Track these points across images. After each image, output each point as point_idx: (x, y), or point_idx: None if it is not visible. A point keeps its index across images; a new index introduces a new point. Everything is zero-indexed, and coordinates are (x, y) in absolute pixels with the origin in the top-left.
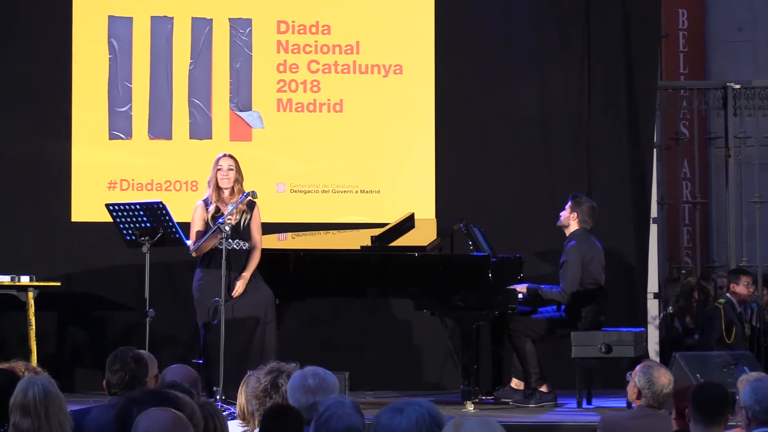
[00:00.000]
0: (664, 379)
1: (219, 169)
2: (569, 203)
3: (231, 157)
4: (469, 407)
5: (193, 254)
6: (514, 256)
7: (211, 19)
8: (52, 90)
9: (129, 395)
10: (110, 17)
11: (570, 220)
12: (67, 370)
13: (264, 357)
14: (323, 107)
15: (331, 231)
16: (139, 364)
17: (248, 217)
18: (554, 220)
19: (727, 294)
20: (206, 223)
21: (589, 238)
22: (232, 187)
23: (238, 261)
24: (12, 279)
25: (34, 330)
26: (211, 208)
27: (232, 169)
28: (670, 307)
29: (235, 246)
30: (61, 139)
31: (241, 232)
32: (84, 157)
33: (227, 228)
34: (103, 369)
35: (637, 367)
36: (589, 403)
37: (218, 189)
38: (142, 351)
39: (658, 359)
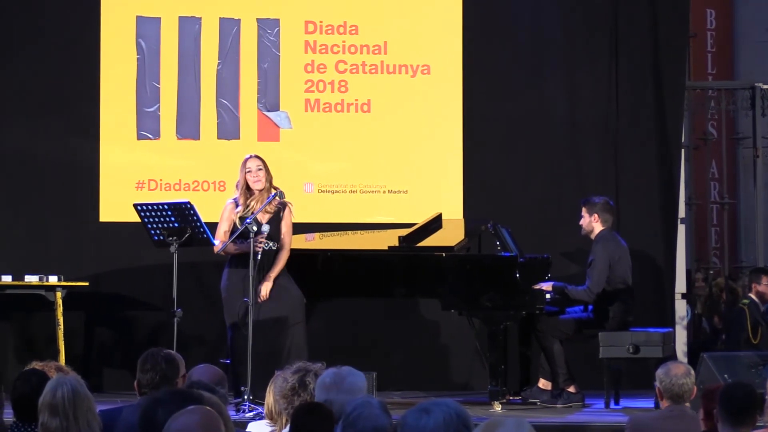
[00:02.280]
0: (680, 369)
1: (248, 172)
2: (584, 209)
3: (257, 157)
4: (497, 407)
5: (222, 253)
6: (541, 256)
7: (239, 20)
8: (81, 90)
9: (154, 395)
10: (138, 17)
11: (592, 223)
12: (94, 370)
13: (293, 357)
14: (351, 107)
15: (358, 231)
16: (170, 365)
17: (279, 217)
18: (579, 224)
19: (750, 294)
20: (233, 224)
21: (615, 238)
22: (265, 187)
23: (266, 261)
24: (40, 279)
25: (62, 330)
26: (240, 209)
27: (261, 169)
28: (698, 308)
29: (264, 247)
30: (90, 140)
31: (270, 233)
32: (112, 158)
33: (255, 228)
34: (130, 369)
35: (658, 369)
36: (616, 403)
37: (248, 190)
38: (168, 350)
39: (686, 360)
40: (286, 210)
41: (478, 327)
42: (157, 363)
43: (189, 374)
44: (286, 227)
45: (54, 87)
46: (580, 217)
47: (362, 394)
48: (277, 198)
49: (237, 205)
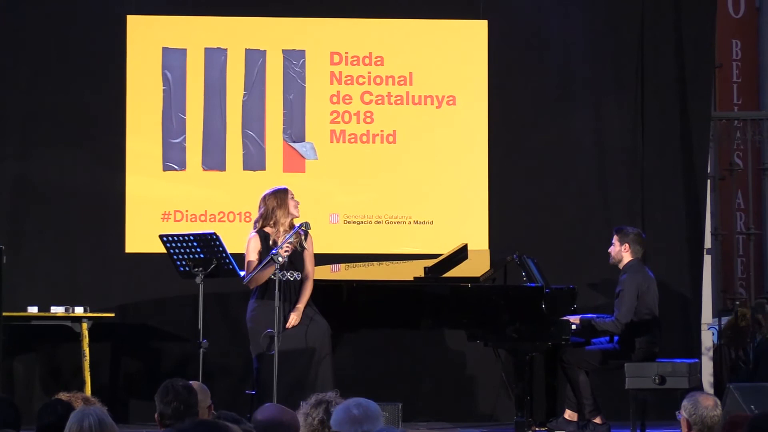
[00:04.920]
0: (709, 401)
1: (291, 197)
2: (615, 237)
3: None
4: None
5: (250, 285)
6: (567, 287)
7: (265, 51)
8: (107, 121)
9: (179, 426)
10: (164, 49)
11: (622, 252)
12: (120, 400)
13: (319, 389)
14: (376, 138)
15: (384, 262)
16: (191, 394)
17: (301, 248)
18: (608, 251)
19: None
20: (260, 254)
21: (643, 269)
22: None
23: (292, 292)
24: (66, 310)
25: (88, 361)
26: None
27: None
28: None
29: (289, 277)
30: (116, 171)
31: (295, 263)
32: (138, 189)
33: (280, 259)
34: None
35: (683, 400)
36: None
37: (275, 223)
38: (194, 381)
39: (712, 391)
40: (308, 240)
41: (504, 358)
42: (179, 393)
43: (254, 414)
44: (309, 257)
45: (80, 118)
46: (611, 244)
47: (378, 419)
48: (302, 229)
49: (261, 238)
